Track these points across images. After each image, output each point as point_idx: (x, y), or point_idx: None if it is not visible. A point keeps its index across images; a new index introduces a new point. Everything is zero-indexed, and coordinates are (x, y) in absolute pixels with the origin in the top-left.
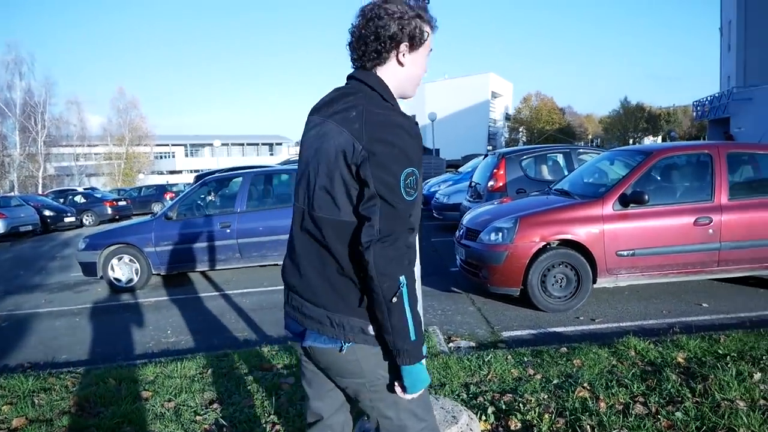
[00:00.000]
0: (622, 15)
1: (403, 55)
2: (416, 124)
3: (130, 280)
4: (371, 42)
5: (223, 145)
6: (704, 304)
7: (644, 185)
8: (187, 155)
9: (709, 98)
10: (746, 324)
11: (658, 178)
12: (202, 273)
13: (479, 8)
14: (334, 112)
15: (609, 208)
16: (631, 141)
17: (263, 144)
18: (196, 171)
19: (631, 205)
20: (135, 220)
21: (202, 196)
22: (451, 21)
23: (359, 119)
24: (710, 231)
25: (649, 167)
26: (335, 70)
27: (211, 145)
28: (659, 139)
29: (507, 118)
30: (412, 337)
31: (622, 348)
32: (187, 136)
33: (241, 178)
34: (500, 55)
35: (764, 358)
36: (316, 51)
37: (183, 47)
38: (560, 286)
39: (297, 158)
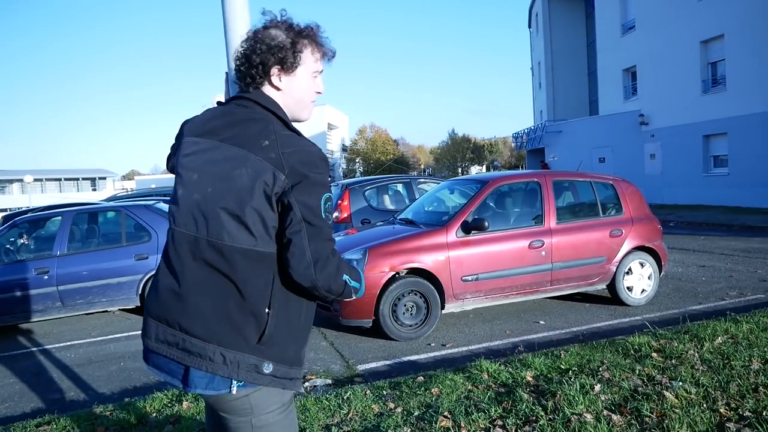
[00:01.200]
0: (444, 53)
1: (279, 79)
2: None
3: None
4: (245, 68)
5: (36, 180)
6: (541, 322)
7: (483, 212)
8: None
9: (525, 131)
10: (579, 338)
11: (495, 205)
12: (15, 327)
13: None
14: (236, 136)
15: (453, 235)
16: (459, 170)
17: (84, 179)
18: (2, 210)
19: (473, 231)
20: None
21: (12, 239)
22: None
23: (274, 148)
24: (543, 253)
25: (486, 195)
26: (164, 100)
27: (21, 180)
28: (483, 168)
29: (344, 149)
30: (360, 293)
31: (475, 372)
32: None
33: (60, 218)
34: (335, 88)
35: (600, 369)
36: (144, 80)
37: None
38: (411, 315)
39: (124, 194)
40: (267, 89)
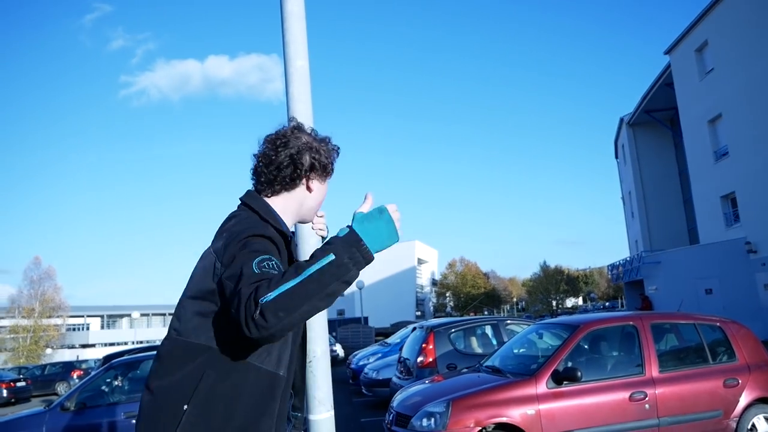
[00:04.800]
0: (532, 186)
1: (313, 182)
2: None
3: None
4: (285, 168)
5: (142, 315)
6: None
7: (575, 360)
8: (103, 327)
9: (621, 262)
10: None
11: (589, 352)
12: None
13: (404, 179)
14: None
15: (543, 386)
16: (553, 303)
17: None
18: (111, 344)
19: (565, 382)
20: (24, 411)
21: (108, 380)
22: (376, 189)
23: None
24: (646, 406)
25: (577, 341)
26: None
27: (129, 315)
28: (580, 300)
29: (434, 283)
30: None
31: None
32: (104, 306)
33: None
34: (425, 223)
35: None
36: None
37: (105, 213)
38: None
39: None
40: (295, 191)
